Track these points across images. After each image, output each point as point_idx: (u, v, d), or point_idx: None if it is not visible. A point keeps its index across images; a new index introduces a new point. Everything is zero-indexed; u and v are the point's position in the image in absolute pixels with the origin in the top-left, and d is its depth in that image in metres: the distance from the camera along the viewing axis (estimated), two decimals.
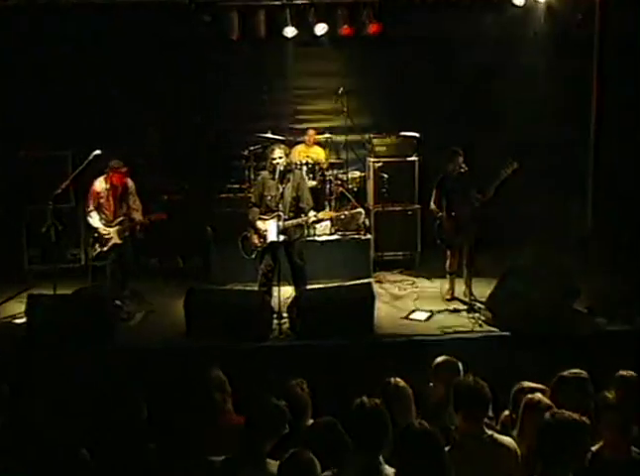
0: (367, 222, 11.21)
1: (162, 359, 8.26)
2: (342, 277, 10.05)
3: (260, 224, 8.84)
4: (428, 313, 9.54)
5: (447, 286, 10.07)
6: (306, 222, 8.95)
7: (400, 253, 11.58)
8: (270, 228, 8.86)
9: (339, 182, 11.50)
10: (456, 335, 8.72)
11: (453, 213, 9.54)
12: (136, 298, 10.01)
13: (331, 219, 9.63)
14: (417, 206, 11.50)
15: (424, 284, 10.77)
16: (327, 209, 9.68)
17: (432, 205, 9.63)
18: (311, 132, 11.85)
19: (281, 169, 8.68)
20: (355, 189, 11.66)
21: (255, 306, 8.79)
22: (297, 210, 8.84)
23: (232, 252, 9.48)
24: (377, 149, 11.69)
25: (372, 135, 11.85)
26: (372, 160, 11.66)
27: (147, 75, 11.41)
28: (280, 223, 8.65)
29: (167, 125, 11.72)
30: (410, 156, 11.61)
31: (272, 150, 8.86)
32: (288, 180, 8.78)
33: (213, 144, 11.95)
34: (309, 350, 8.37)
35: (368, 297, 9.01)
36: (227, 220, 10.82)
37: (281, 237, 8.70)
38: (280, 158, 8.66)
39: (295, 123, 12.34)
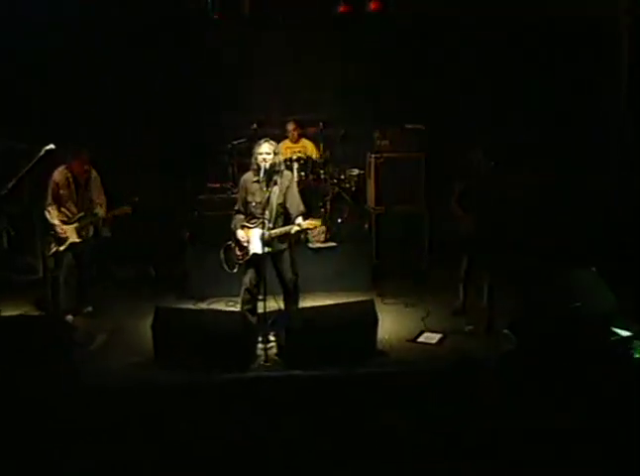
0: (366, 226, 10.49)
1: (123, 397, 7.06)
2: (339, 289, 9.61)
3: (241, 234, 7.97)
4: (439, 335, 8.59)
5: (460, 298, 9.09)
6: (290, 232, 7.93)
7: (405, 261, 10.62)
8: (254, 238, 7.97)
9: (334, 181, 10.71)
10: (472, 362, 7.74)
11: (476, 214, 8.61)
12: (98, 316, 9.13)
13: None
14: (424, 208, 10.60)
15: (433, 297, 9.80)
16: (317, 216, 8.50)
17: (453, 205, 8.68)
18: (291, 126, 11.01)
19: (267, 167, 7.71)
20: (353, 189, 10.88)
21: (235, 330, 7.77)
22: (286, 217, 7.96)
23: (213, 261, 8.61)
24: (379, 143, 10.73)
25: (373, 128, 10.92)
26: (372, 156, 10.72)
27: (122, 59, 10.82)
28: (266, 232, 7.73)
29: (141, 114, 10.96)
30: (416, 151, 10.68)
31: (259, 144, 7.86)
32: (275, 183, 7.81)
33: (194, 137, 11.25)
34: (300, 382, 7.39)
35: (369, 318, 8.05)
36: (207, 224, 10.08)
37: (266, 249, 7.78)
38: (268, 154, 7.72)
39: (287, 114, 11.41)
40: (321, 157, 10.78)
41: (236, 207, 8.16)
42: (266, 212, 7.71)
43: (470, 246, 8.72)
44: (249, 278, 8.04)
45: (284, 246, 8.05)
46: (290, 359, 7.72)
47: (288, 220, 7.97)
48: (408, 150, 10.69)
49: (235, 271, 8.05)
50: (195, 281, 9.91)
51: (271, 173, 7.81)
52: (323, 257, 10.08)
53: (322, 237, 10.19)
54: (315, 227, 8.01)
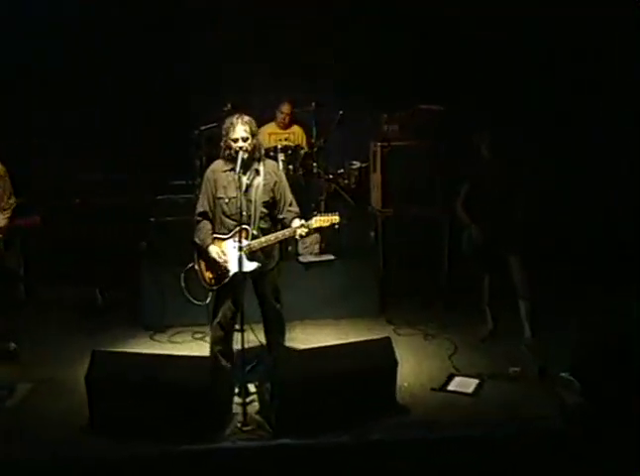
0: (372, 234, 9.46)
1: None
2: (338, 315, 8.73)
3: (215, 250, 6.62)
4: (475, 381, 7.09)
5: (488, 324, 8.11)
6: (287, 239, 6.78)
7: (421, 277, 9.54)
8: (230, 253, 6.59)
9: (330, 176, 9.82)
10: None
11: (488, 220, 7.80)
12: (20, 358, 7.70)
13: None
14: (442, 209, 9.37)
15: (458, 324, 8.55)
16: (316, 218, 6.75)
17: (459, 210, 7.95)
18: (286, 107, 10.06)
19: (245, 157, 6.46)
20: (353, 186, 9.96)
21: (202, 382, 6.14)
22: (273, 222, 6.76)
23: (174, 281, 8.19)
24: (386, 129, 9.79)
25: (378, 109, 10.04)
26: (378, 144, 9.68)
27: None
28: (246, 243, 6.42)
29: (88, 95, 10.10)
30: (433, 138, 9.63)
31: (232, 125, 6.57)
32: (257, 173, 6.60)
33: (155, 122, 10.30)
34: (291, 454, 6.00)
35: (386, 362, 6.54)
36: (168, 233, 9.05)
37: (248, 266, 6.47)
38: (245, 140, 6.47)
39: (270, 93, 10.36)
40: (313, 145, 9.77)
41: (199, 209, 6.76)
42: (244, 213, 6.42)
43: (483, 259, 7.92)
44: (224, 309, 6.70)
45: (274, 262, 6.77)
46: (278, 421, 6.20)
47: (274, 226, 6.75)
48: (423, 137, 9.69)
49: (207, 302, 7.09)
50: (152, 306, 8.73)
51: (251, 160, 6.58)
52: (317, 274, 9.03)
53: (316, 248, 9.09)
54: (332, 224, 6.63)
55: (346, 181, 9.96)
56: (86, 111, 10.15)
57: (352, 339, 7.49)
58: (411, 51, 10.32)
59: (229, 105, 9.30)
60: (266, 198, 6.61)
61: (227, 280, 6.58)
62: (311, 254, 9.20)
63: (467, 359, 7.63)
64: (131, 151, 10.12)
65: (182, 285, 7.26)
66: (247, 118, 6.58)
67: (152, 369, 6.25)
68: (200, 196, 6.81)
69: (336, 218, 6.58)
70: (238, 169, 6.43)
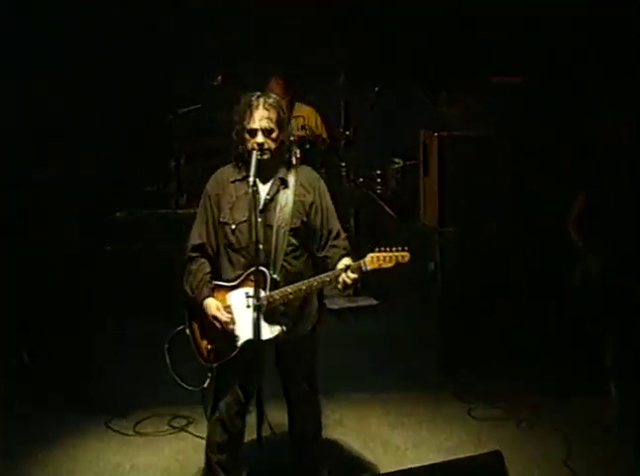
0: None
1: None
2: (382, 385, 7.57)
3: (215, 306, 5.47)
4: None
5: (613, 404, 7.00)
6: (338, 283, 5.53)
7: (501, 328, 8.22)
8: (239, 310, 5.51)
9: (361, 180, 9.36)
10: None
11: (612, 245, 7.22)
12: None
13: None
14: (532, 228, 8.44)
15: (564, 403, 7.35)
16: (373, 256, 5.70)
17: (571, 227, 7.21)
18: (278, 81, 9.30)
19: (264, 157, 5.40)
20: (394, 193, 9.68)
21: None
22: (308, 260, 5.65)
23: (144, 336, 7.63)
24: (445, 111, 8.77)
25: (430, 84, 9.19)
26: (434, 134, 8.47)
27: None
28: (264, 295, 5.29)
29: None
30: (512, 126, 8.53)
31: (249, 110, 5.52)
32: (283, 187, 5.59)
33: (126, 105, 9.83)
34: None
35: None
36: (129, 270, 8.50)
37: (267, 331, 5.42)
38: (269, 132, 5.44)
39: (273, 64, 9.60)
40: (339, 137, 9.14)
41: (194, 241, 5.65)
42: (261, 246, 5.35)
43: (604, 301, 7.11)
44: (228, 400, 5.60)
45: (309, 324, 5.65)
46: None
47: (310, 267, 5.67)
48: (499, 123, 8.57)
49: (204, 385, 5.72)
50: (110, 377, 7.70)
51: (274, 164, 5.57)
52: (353, 325, 8.38)
53: (339, 286, 7.69)
54: (398, 264, 5.58)
55: (379, 188, 9.49)
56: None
57: (414, 431, 6.70)
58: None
59: (219, 77, 9.29)
60: (297, 224, 5.45)
61: (234, 353, 5.43)
62: (342, 297, 8.52)
63: (592, 463, 6.33)
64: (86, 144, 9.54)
65: (166, 358, 5.77)
66: (273, 99, 5.52)
67: None
68: (196, 221, 5.68)
69: (405, 256, 5.40)
70: (252, 176, 5.21)
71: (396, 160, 9.60)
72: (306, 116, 9.46)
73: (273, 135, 5.30)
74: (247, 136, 5.32)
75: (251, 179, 5.08)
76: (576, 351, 7.53)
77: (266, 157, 5.22)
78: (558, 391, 7.38)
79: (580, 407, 7.12)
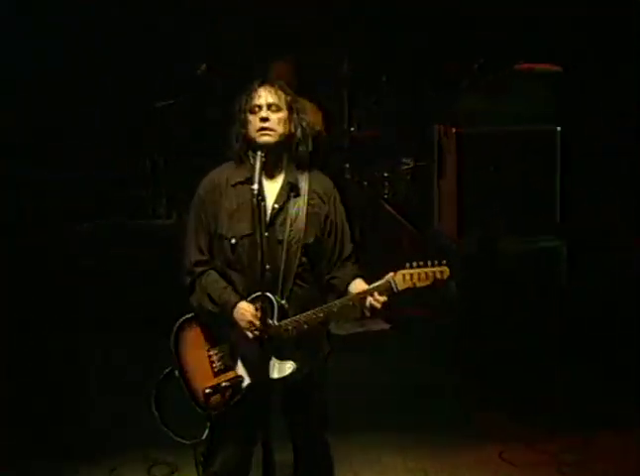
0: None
1: None
2: (396, 429, 6.90)
3: (246, 308, 4.82)
4: None
5: None
6: (364, 307, 4.85)
7: (539, 360, 7.62)
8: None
9: (365, 184, 9.14)
10: None
11: None
12: None
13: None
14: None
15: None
16: (405, 273, 4.85)
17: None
18: (283, 64, 8.48)
19: (270, 141, 4.79)
20: (401, 198, 9.35)
21: None
22: (316, 278, 4.99)
23: (116, 366, 7.36)
24: (466, 103, 8.34)
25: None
26: (452, 130, 8.25)
27: None
28: (274, 326, 4.66)
29: None
30: (545, 119, 8.18)
31: (251, 95, 4.87)
32: (295, 193, 4.96)
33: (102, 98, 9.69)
34: None
35: None
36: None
37: (277, 369, 4.80)
38: (276, 108, 4.87)
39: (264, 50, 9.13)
40: (342, 133, 8.80)
41: (193, 257, 5.03)
42: (268, 265, 4.77)
43: None
44: (225, 455, 4.96)
45: (321, 358, 5.10)
46: None
47: (317, 286, 5.01)
48: (531, 117, 8.24)
49: (204, 437, 5.03)
50: (81, 413, 7.06)
51: (283, 163, 4.97)
52: (362, 354, 7.69)
53: (357, 312, 7.05)
54: (435, 282, 4.82)
55: (386, 193, 9.01)
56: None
57: None
58: None
59: (204, 65, 9.04)
60: (310, 239, 4.87)
61: (237, 398, 4.81)
62: (353, 322, 8.10)
63: None
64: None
65: (152, 403, 4.97)
66: (282, 83, 5.00)
67: None
68: (188, 235, 5.02)
69: (444, 272, 4.66)
70: (256, 181, 4.62)
71: (407, 160, 9.15)
72: (308, 113, 9.05)
73: (281, 114, 4.76)
74: (249, 117, 4.74)
75: (255, 186, 4.47)
76: (626, 379, 7.01)
77: (270, 139, 4.67)
78: (604, 426, 6.67)
79: (631, 442, 6.43)
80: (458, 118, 8.25)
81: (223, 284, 4.91)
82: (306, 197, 4.89)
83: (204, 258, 4.88)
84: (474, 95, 8.26)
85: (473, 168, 8.01)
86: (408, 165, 9.05)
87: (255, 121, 4.66)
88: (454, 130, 8.09)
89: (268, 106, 4.68)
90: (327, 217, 4.87)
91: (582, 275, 8.20)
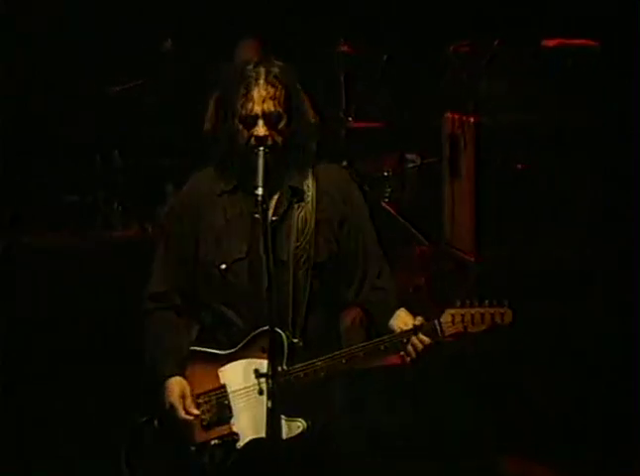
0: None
1: None
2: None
3: (173, 386, 4.18)
4: None
5: None
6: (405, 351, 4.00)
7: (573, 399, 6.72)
8: (238, 392, 4.19)
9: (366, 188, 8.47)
10: None
11: None
12: None
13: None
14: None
15: None
16: (453, 313, 3.85)
17: None
18: (251, 43, 8.18)
19: (267, 146, 4.12)
20: (405, 201, 8.93)
21: None
22: (334, 306, 4.32)
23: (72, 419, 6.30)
24: (483, 88, 7.86)
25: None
26: (469, 120, 7.68)
27: None
28: (282, 371, 3.98)
29: None
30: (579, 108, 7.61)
31: (245, 86, 4.09)
32: (299, 198, 4.24)
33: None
34: None
35: None
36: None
37: (288, 428, 4.12)
38: (276, 119, 4.08)
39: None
40: (335, 122, 8.38)
41: (155, 287, 4.40)
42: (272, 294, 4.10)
43: None
44: None
45: (337, 407, 4.50)
46: None
47: (337, 318, 4.40)
48: (560, 105, 7.57)
49: None
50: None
51: (286, 164, 4.23)
52: (367, 392, 6.29)
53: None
54: (494, 326, 4.14)
55: (386, 195, 8.39)
56: None
57: None
58: None
59: (169, 41, 8.50)
60: (323, 257, 4.28)
61: (230, 460, 4.29)
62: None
63: None
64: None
65: (123, 464, 4.45)
66: (280, 68, 4.23)
67: None
68: (156, 257, 4.47)
69: (506, 314, 4.04)
70: (260, 186, 4.08)
71: (411, 156, 8.49)
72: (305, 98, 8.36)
73: (282, 124, 4.08)
74: (239, 125, 4.07)
75: (259, 191, 3.88)
76: None
77: (267, 156, 4.06)
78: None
79: None
80: (475, 105, 7.56)
81: (170, 338, 4.33)
82: (313, 202, 4.26)
83: (163, 290, 4.31)
84: (495, 77, 7.61)
85: (494, 165, 7.29)
86: (414, 162, 8.43)
87: (246, 134, 4.02)
88: (472, 119, 7.39)
89: (265, 118, 4.03)
90: (342, 222, 4.18)
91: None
